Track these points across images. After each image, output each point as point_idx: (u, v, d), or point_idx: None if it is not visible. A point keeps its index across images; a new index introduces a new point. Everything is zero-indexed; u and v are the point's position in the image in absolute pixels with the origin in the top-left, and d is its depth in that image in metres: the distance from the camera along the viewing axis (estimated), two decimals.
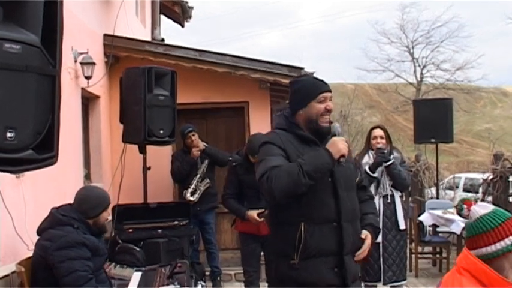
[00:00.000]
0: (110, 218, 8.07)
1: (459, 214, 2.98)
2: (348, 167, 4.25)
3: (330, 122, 4.25)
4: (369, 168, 7.17)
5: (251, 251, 7.49)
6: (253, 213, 7.28)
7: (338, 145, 3.98)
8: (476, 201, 3.23)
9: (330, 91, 4.32)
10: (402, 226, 7.34)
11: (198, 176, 9.02)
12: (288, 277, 4.08)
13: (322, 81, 4.39)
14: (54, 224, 5.17)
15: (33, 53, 3.12)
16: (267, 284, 4.59)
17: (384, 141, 7.37)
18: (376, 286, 7.47)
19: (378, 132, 7.44)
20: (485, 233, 3.13)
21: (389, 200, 7.31)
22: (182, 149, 9.40)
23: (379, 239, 7.21)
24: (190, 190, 8.95)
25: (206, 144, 9.24)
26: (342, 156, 3.98)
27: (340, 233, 4.07)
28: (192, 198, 8.88)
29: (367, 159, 7.37)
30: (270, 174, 3.90)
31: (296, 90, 4.41)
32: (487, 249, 3.12)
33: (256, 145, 7.05)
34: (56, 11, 3.26)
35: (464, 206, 3.03)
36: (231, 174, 7.67)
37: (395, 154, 7.43)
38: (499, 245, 3.11)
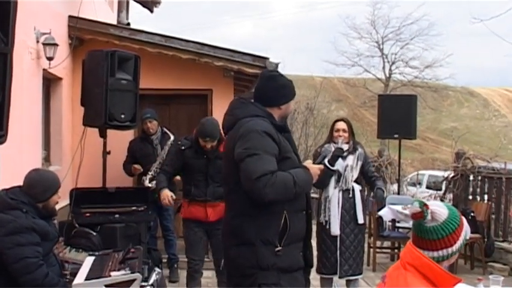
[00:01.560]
0: (68, 202, 8.04)
1: (422, 221, 2.94)
2: None
3: None
4: (328, 161, 7.14)
5: (198, 239, 7.36)
6: (168, 194, 7.19)
7: (316, 173, 4.39)
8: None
9: None
10: (361, 220, 7.36)
11: (158, 162, 8.89)
12: (272, 264, 4.18)
13: None
14: (3, 207, 5.07)
15: None
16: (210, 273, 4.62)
17: (346, 134, 7.38)
18: (331, 279, 7.49)
19: (341, 125, 7.44)
20: (454, 232, 3.18)
21: (350, 194, 7.31)
22: (140, 135, 9.37)
23: (337, 232, 7.24)
24: (148, 176, 8.85)
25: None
26: None
27: (308, 219, 4.40)
28: (149, 185, 8.78)
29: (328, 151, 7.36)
30: (269, 180, 3.96)
31: (282, 86, 4.53)
32: (456, 246, 3.18)
33: (208, 129, 7.07)
34: None
35: (429, 211, 3.02)
36: (174, 155, 7.49)
37: (360, 150, 7.44)
38: (460, 241, 3.19)
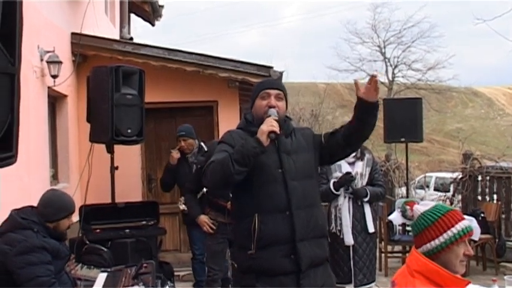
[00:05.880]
0: (77, 219, 8.04)
1: (404, 216, 3.18)
2: (300, 157, 4.34)
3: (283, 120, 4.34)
4: (333, 185, 7.06)
5: (220, 250, 7.39)
6: (205, 220, 7.27)
7: (261, 128, 4.06)
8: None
9: (277, 88, 4.38)
10: (371, 229, 7.21)
11: None
12: (247, 267, 4.24)
13: (273, 79, 4.50)
14: (14, 227, 5.05)
15: None
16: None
17: None
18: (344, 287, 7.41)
19: None
20: (428, 227, 3.24)
21: (359, 203, 7.20)
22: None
23: (351, 242, 7.13)
24: (183, 200, 8.22)
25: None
26: (272, 133, 4.02)
27: (292, 221, 4.17)
28: (185, 209, 8.39)
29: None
30: (207, 169, 4.11)
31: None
32: (431, 244, 3.21)
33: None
34: (15, 9, 3.18)
35: (407, 207, 3.21)
36: (195, 173, 7.52)
37: (368, 155, 7.32)
38: (442, 238, 3.20)
